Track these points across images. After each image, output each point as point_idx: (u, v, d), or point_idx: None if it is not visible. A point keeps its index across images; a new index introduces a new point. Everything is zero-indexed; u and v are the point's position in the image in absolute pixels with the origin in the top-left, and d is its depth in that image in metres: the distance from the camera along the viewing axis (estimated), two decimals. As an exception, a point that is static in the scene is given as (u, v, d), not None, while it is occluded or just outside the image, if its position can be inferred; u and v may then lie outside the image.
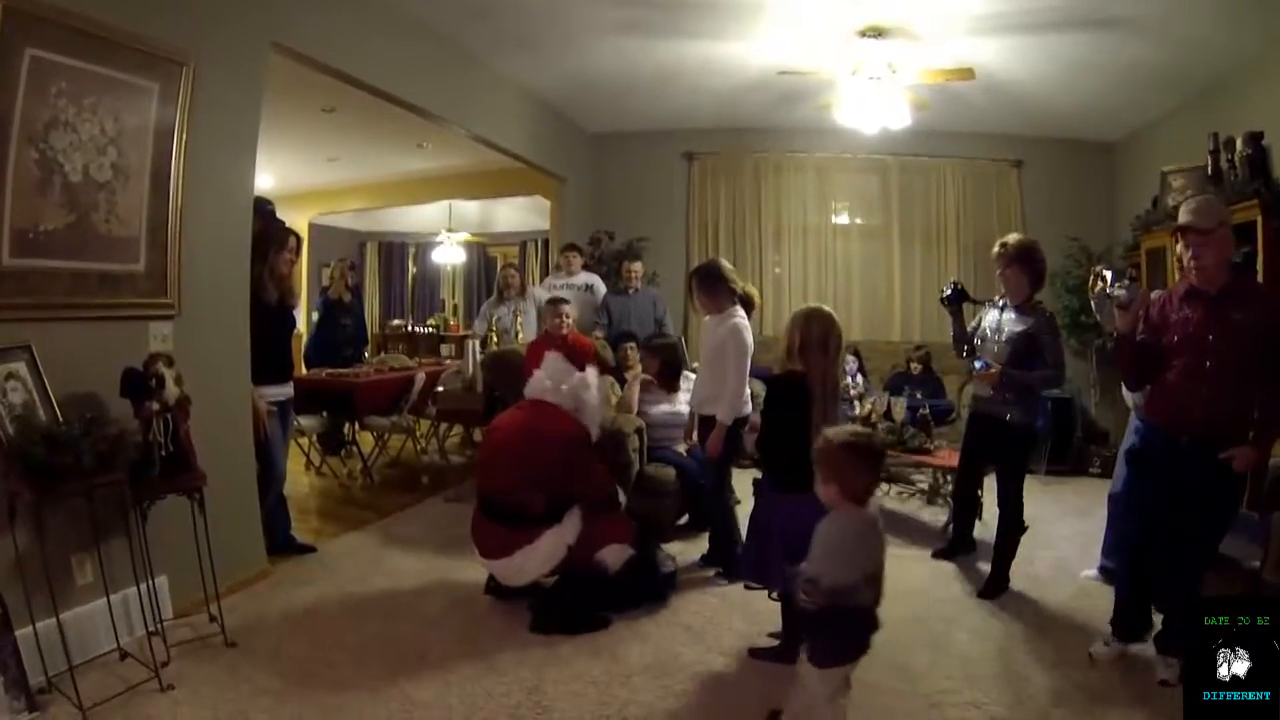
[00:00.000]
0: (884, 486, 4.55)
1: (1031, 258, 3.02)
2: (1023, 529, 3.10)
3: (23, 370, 2.16)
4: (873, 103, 4.24)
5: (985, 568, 3.22)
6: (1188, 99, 4.83)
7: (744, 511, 3.25)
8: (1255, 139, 3.78)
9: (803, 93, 5.15)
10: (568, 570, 2.70)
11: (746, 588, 2.89)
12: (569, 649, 2.52)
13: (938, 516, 4.09)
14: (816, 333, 2.37)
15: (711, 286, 3.21)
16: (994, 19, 3.89)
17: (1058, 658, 2.49)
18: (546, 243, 8.67)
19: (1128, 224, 5.24)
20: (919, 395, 4.87)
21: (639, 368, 4.32)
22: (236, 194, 2.94)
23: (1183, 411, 2.28)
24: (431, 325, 10.45)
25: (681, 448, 3.75)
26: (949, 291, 3.22)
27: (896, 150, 6.15)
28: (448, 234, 9.88)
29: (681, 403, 3.86)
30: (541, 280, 6.85)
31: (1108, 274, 2.39)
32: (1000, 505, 3.10)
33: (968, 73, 4.21)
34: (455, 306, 11.19)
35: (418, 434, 5.16)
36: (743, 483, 3.57)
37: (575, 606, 2.68)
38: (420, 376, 4.94)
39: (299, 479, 4.63)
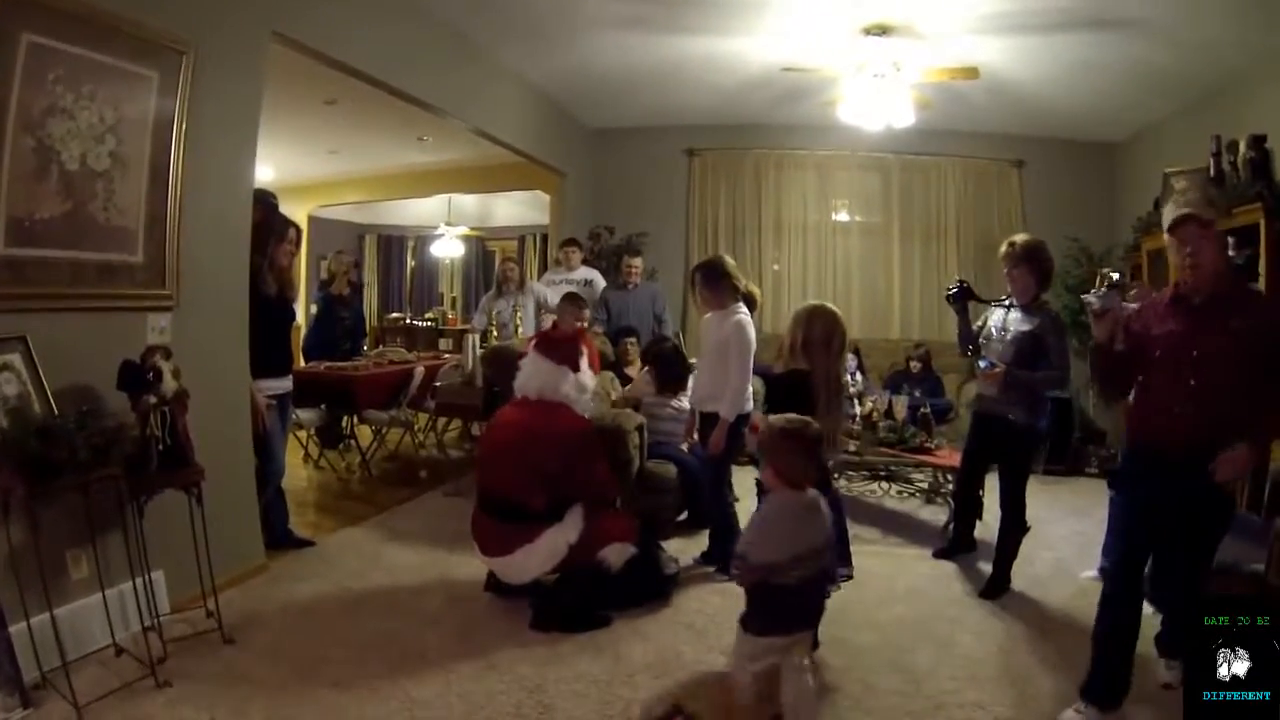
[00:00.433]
0: (884, 485, 4.55)
1: (1039, 258, 3.01)
2: (1025, 529, 3.10)
3: (17, 362, 2.13)
4: (877, 101, 4.22)
5: (985, 567, 3.21)
6: (1191, 101, 4.82)
7: (744, 509, 3.26)
8: (1258, 142, 3.78)
9: (805, 90, 5.13)
10: (569, 568, 2.68)
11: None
12: (570, 647, 2.50)
13: (937, 516, 4.09)
14: (820, 330, 2.35)
15: (715, 283, 3.19)
16: (999, 18, 3.87)
17: (1060, 659, 2.47)
18: (545, 237, 8.63)
19: (1129, 225, 5.24)
20: (918, 394, 4.86)
21: (639, 362, 4.30)
22: (236, 185, 2.91)
23: (1163, 431, 2.09)
24: (430, 319, 10.42)
25: (684, 446, 3.73)
26: (954, 289, 3.19)
27: (898, 149, 6.14)
28: (447, 227, 9.84)
29: (685, 400, 3.84)
30: (540, 275, 6.82)
31: (1114, 275, 2.34)
32: (1002, 506, 3.09)
33: (972, 72, 4.19)
34: (454, 300, 11.16)
35: (416, 428, 5.13)
36: (743, 480, 3.56)
37: (576, 605, 2.66)
38: (419, 370, 4.91)
39: (297, 472, 4.60)
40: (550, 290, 5.32)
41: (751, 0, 3.86)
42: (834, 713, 2.14)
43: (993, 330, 3.12)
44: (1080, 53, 4.25)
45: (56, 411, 2.13)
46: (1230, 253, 3.51)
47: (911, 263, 6.46)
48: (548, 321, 4.99)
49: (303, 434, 4.78)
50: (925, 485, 4.48)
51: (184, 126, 2.57)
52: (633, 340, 4.73)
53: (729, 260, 3.31)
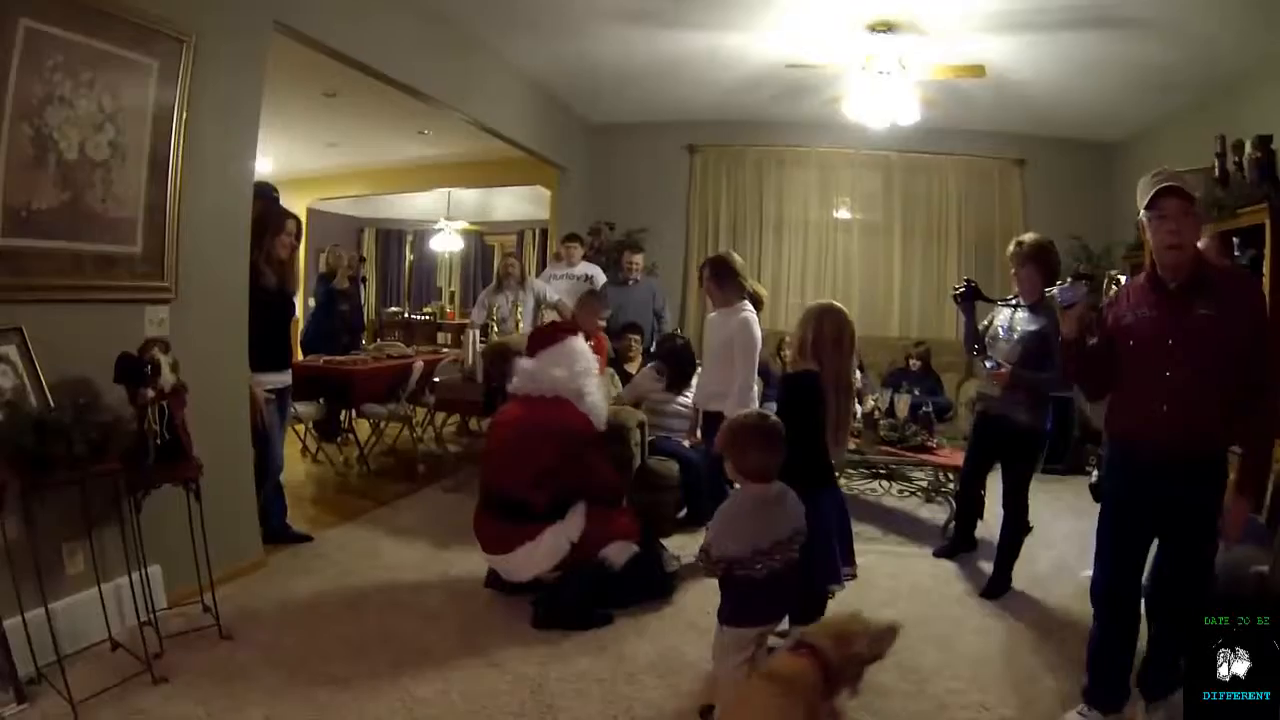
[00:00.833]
0: (884, 484, 4.54)
1: (1046, 257, 2.99)
2: (1027, 529, 3.09)
3: (13, 354, 2.10)
4: (882, 98, 4.20)
5: (985, 566, 3.21)
6: (1193, 101, 4.81)
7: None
8: (1264, 142, 3.76)
9: (808, 87, 5.10)
10: (571, 566, 2.66)
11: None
12: (572, 646, 2.48)
13: (937, 514, 4.09)
14: (830, 329, 2.33)
15: (724, 279, 3.18)
16: (1004, 16, 3.85)
17: (1062, 659, 2.47)
18: (545, 232, 8.61)
19: (1130, 225, 5.22)
20: (917, 392, 4.84)
21: (640, 360, 4.27)
22: (236, 176, 2.88)
23: (1143, 433, 1.96)
24: (428, 313, 10.39)
25: (686, 442, 3.72)
26: (961, 289, 3.16)
27: (899, 147, 6.11)
28: (446, 222, 9.80)
29: (689, 396, 3.83)
30: (539, 270, 6.79)
31: (1122, 278, 2.32)
32: (1005, 505, 3.08)
33: (978, 70, 4.17)
34: (452, 294, 11.13)
35: (414, 422, 5.10)
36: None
37: (578, 603, 2.64)
38: (418, 365, 4.88)
39: (295, 466, 4.57)
40: (550, 286, 5.29)
41: (756, -5, 3.84)
42: (838, 713, 2.13)
43: (999, 330, 3.10)
44: (1084, 51, 4.23)
45: (53, 404, 2.11)
46: (1235, 253, 3.52)
47: (912, 261, 6.44)
48: (547, 317, 4.97)
49: (301, 428, 4.75)
50: (925, 484, 4.47)
51: (184, 116, 2.53)
52: (636, 337, 4.70)
53: (737, 257, 3.29)
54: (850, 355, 2.38)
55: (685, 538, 3.52)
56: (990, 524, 3.36)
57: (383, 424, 4.96)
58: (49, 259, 2.22)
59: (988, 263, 5.93)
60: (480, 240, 10.78)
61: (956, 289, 3.18)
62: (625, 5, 4.02)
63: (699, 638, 2.57)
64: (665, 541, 3.24)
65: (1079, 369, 2.16)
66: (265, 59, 2.95)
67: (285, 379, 3.29)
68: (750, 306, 3.17)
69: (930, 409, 4.28)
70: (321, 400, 4.68)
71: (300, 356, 5.09)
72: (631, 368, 4.52)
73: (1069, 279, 2.07)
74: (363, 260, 9.51)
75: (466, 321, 5.88)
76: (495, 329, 5.09)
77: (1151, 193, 1.89)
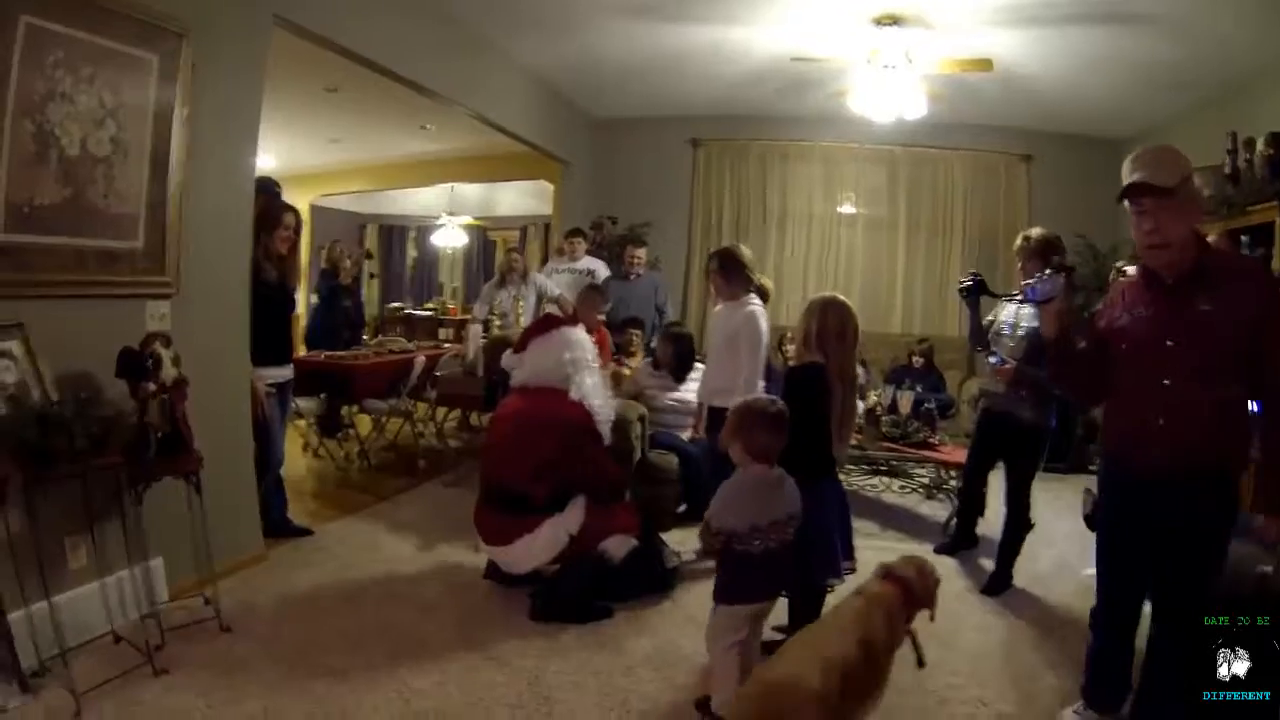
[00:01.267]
0: (885, 480, 4.54)
1: (1053, 252, 2.96)
2: (1029, 527, 3.08)
3: (16, 349, 2.11)
4: (888, 92, 4.17)
5: (986, 563, 3.20)
6: (1202, 98, 4.76)
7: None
8: (1276, 139, 3.72)
9: (812, 81, 5.08)
10: (570, 559, 2.66)
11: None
12: (570, 638, 2.50)
13: (937, 511, 4.08)
14: (834, 322, 2.33)
15: (731, 272, 3.14)
16: (1012, 10, 3.82)
17: (1062, 656, 2.47)
18: (548, 227, 8.60)
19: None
20: (919, 389, 4.83)
21: (641, 353, 4.27)
22: (237, 171, 2.88)
23: (1136, 446, 1.77)
24: (430, 308, 10.39)
25: (686, 435, 3.72)
26: (968, 283, 3.13)
27: (905, 141, 6.08)
28: (448, 217, 9.80)
29: (686, 391, 3.82)
30: (542, 265, 6.79)
31: (1130, 269, 2.25)
32: (1008, 503, 3.08)
33: (985, 64, 4.14)
34: (455, 290, 11.13)
35: (415, 417, 5.12)
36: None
37: (577, 595, 2.65)
38: (419, 360, 4.89)
39: (296, 461, 4.59)
40: (553, 280, 5.29)
41: (759, -12, 3.83)
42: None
43: (1003, 326, 3.09)
44: (1092, 47, 4.19)
45: (55, 399, 2.12)
46: (1244, 251, 3.47)
47: (916, 257, 6.41)
48: (550, 311, 4.96)
49: (302, 423, 4.77)
50: (926, 481, 4.47)
51: (185, 111, 2.54)
52: (638, 331, 4.70)
53: (746, 250, 3.25)
54: (854, 347, 2.39)
55: (684, 533, 3.52)
56: (992, 521, 3.35)
57: (384, 419, 4.97)
58: (51, 254, 2.23)
59: (992, 259, 5.89)
60: (483, 235, 10.77)
61: (963, 282, 3.15)
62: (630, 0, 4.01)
63: (697, 631, 2.56)
64: (665, 536, 3.24)
65: (1062, 372, 2.00)
66: (266, 54, 2.95)
67: (286, 373, 3.30)
68: (757, 300, 3.15)
69: (933, 405, 4.27)
70: (323, 396, 4.70)
71: (302, 351, 5.10)
72: (633, 362, 4.52)
73: (1046, 271, 1.89)
74: (369, 256, 9.54)
75: (469, 317, 5.89)
76: (497, 324, 5.09)
77: (1122, 189, 1.71)
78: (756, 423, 2.05)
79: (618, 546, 2.73)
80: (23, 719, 1.92)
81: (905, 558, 2.04)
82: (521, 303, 5.13)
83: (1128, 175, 1.72)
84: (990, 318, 3.19)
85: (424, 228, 10.81)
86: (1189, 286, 1.70)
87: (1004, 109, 5.52)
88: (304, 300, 6.95)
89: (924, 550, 3.49)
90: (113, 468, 2.19)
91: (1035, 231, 3.05)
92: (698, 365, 3.97)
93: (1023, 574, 3.11)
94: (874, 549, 3.43)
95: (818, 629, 1.85)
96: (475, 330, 4.98)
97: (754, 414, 2.07)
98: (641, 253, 5.45)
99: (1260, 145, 3.71)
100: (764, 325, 3.10)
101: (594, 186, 6.57)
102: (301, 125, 6.25)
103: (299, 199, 7.62)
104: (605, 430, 2.82)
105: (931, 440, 4.01)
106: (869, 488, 4.55)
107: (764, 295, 3.23)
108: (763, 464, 2.05)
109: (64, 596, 2.19)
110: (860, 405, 4.26)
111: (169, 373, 2.29)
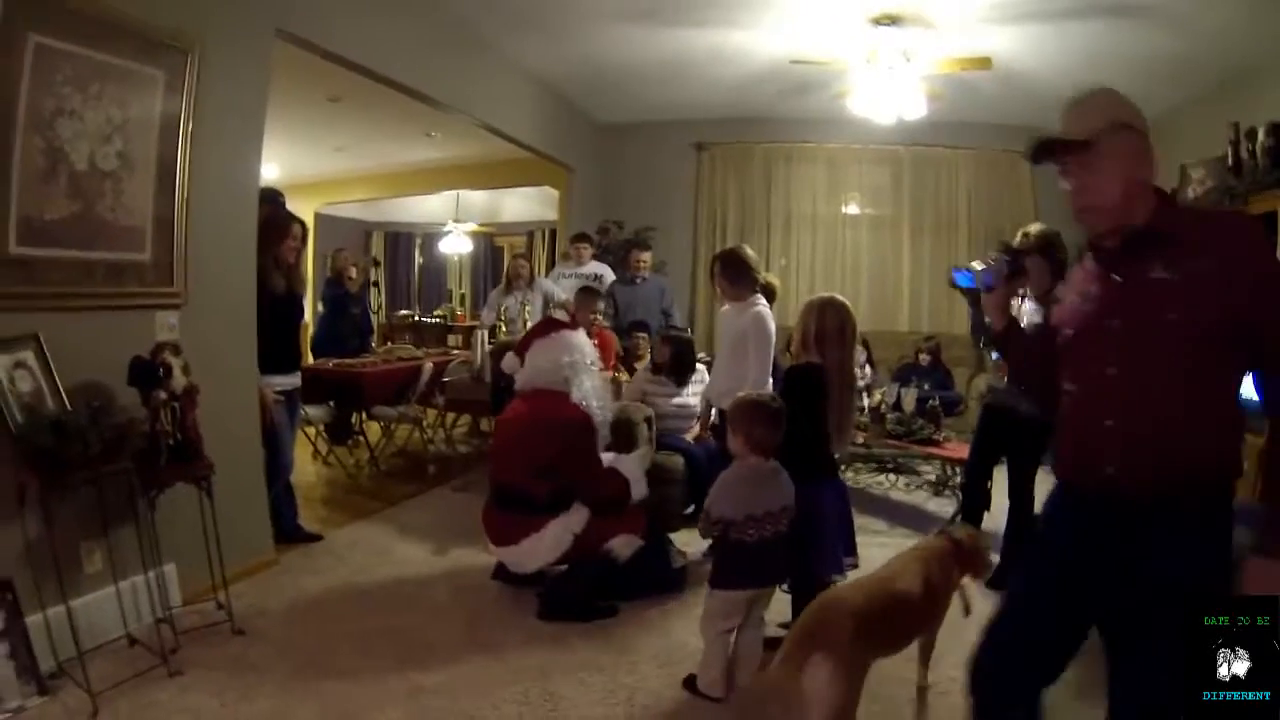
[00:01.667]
0: (891, 477, 4.54)
1: (1053, 249, 2.95)
2: (1034, 521, 3.07)
3: (31, 359, 2.16)
4: (888, 92, 4.18)
5: (992, 557, 3.19)
6: (1204, 91, 4.73)
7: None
8: (1277, 129, 3.71)
9: (814, 82, 5.09)
10: (576, 559, 2.69)
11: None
12: (577, 637, 2.52)
13: (944, 507, 4.07)
14: (832, 322, 2.35)
15: (735, 274, 3.14)
16: (1011, 6, 3.82)
17: (1067, 651, 2.46)
18: (554, 233, 8.65)
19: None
20: (927, 386, 4.83)
21: (648, 357, 4.29)
22: (243, 182, 2.93)
23: (1087, 456, 1.32)
24: (438, 315, 10.46)
25: (689, 435, 3.73)
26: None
27: (908, 141, 6.09)
28: (455, 224, 9.86)
29: (688, 395, 3.84)
30: (548, 271, 6.83)
31: (1006, 242, 2.21)
32: (1011, 497, 3.07)
33: (985, 62, 4.14)
34: (462, 296, 11.20)
35: (424, 423, 5.16)
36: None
37: (583, 594, 2.68)
38: (427, 366, 4.94)
39: (306, 468, 4.64)
40: (559, 285, 5.32)
41: (758, -9, 3.84)
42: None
43: (1006, 321, 3.07)
44: (1093, 41, 4.18)
45: (69, 407, 2.17)
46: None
47: (921, 255, 6.42)
48: (556, 316, 4.99)
49: (312, 430, 4.82)
50: (933, 477, 4.46)
51: (190, 125, 2.59)
52: (644, 335, 4.72)
53: (750, 251, 3.25)
54: (852, 347, 2.41)
55: (691, 533, 3.54)
56: (997, 516, 3.34)
57: (393, 426, 5.02)
58: (62, 267, 2.28)
59: (997, 256, 5.87)
60: (489, 242, 10.84)
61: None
62: (629, 5, 4.04)
63: (702, 630, 2.61)
64: (672, 536, 3.25)
65: (1019, 372, 1.68)
66: (268, 66, 3.00)
67: (294, 381, 3.35)
68: (763, 300, 3.15)
69: (937, 403, 4.27)
70: (331, 403, 4.75)
71: (311, 359, 5.16)
72: (640, 366, 4.54)
73: (991, 255, 1.58)
74: (377, 264, 9.62)
75: (476, 323, 5.93)
76: (504, 329, 5.13)
77: (1028, 148, 1.38)
78: (756, 416, 2.14)
79: (623, 546, 2.74)
80: (41, 718, 1.97)
81: (960, 525, 2.36)
82: (528, 308, 5.17)
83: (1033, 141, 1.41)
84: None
85: (430, 235, 10.89)
86: (1139, 252, 1.29)
87: (1006, 106, 5.50)
88: (311, 308, 7.03)
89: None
90: (126, 474, 2.24)
91: (1035, 227, 3.04)
92: (699, 369, 3.99)
93: (1029, 569, 3.10)
94: (883, 546, 3.44)
95: (884, 568, 2.04)
96: (482, 336, 5.02)
97: (754, 408, 2.17)
98: (647, 257, 5.47)
99: (1261, 135, 3.70)
100: (771, 326, 3.11)
101: (599, 191, 6.61)
102: (306, 135, 6.31)
103: (304, 208, 7.73)
104: (604, 431, 2.84)
105: (936, 437, 4.01)
106: (876, 485, 4.55)
107: (770, 293, 3.23)
108: (759, 456, 2.14)
109: (80, 600, 2.23)
110: (865, 403, 4.27)
111: (179, 381, 2.34)
